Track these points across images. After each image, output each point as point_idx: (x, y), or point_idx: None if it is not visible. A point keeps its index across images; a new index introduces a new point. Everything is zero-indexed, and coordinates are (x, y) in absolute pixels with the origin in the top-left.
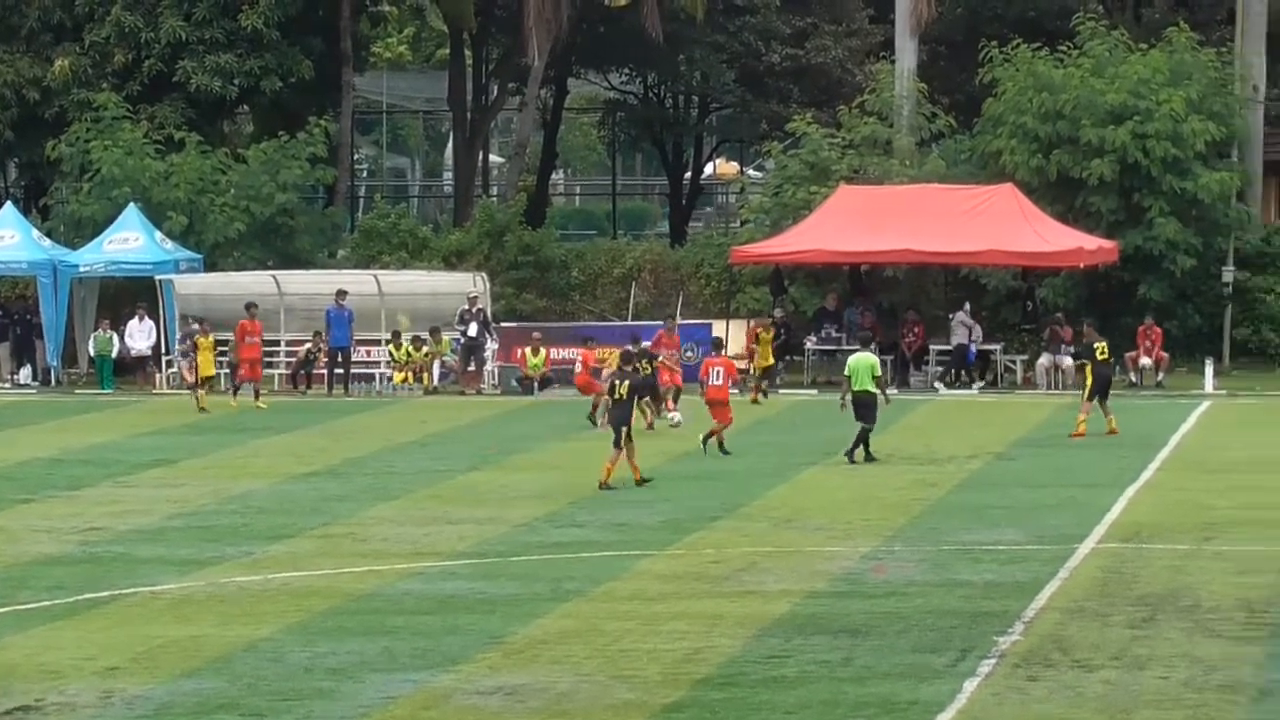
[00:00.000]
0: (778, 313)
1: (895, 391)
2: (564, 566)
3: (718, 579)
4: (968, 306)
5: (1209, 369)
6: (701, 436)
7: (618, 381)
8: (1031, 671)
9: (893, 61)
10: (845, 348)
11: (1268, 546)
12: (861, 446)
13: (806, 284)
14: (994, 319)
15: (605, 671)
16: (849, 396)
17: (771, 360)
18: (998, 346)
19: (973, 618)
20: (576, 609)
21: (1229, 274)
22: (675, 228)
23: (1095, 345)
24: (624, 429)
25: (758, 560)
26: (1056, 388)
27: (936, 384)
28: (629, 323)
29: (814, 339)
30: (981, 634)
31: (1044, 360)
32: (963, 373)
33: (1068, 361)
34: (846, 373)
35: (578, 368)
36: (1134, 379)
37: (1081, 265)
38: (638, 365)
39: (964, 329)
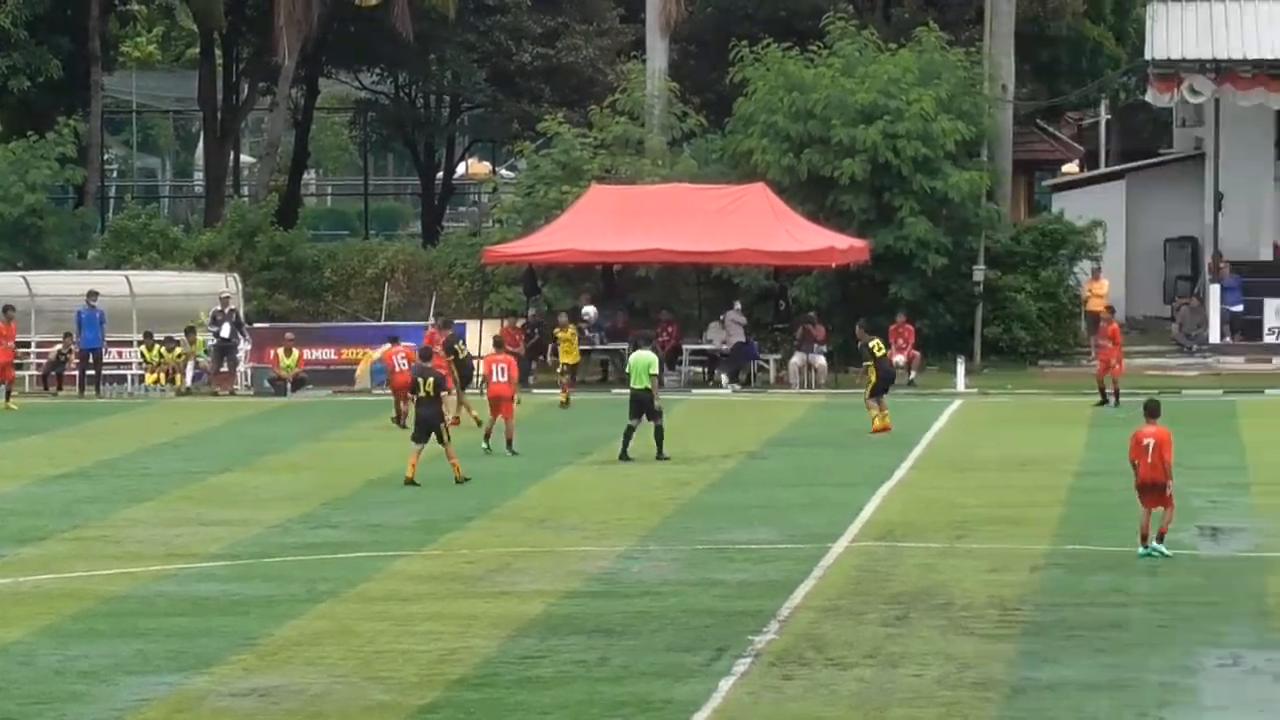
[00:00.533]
0: (531, 312)
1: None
2: (318, 568)
3: (472, 579)
4: (738, 305)
5: (960, 367)
6: (484, 435)
7: (422, 379)
8: (786, 670)
9: (644, 61)
10: (599, 347)
11: (1018, 545)
12: (623, 444)
13: (559, 284)
14: (747, 318)
15: (360, 673)
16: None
17: (577, 357)
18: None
19: (727, 617)
20: (330, 610)
21: (980, 273)
22: (428, 228)
23: (870, 345)
24: (440, 425)
25: (512, 561)
26: (810, 386)
27: (731, 385)
28: (382, 323)
29: None
30: (736, 633)
31: (797, 359)
32: (740, 371)
33: (821, 360)
34: (627, 370)
35: (400, 364)
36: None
37: (833, 264)
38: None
39: (738, 327)
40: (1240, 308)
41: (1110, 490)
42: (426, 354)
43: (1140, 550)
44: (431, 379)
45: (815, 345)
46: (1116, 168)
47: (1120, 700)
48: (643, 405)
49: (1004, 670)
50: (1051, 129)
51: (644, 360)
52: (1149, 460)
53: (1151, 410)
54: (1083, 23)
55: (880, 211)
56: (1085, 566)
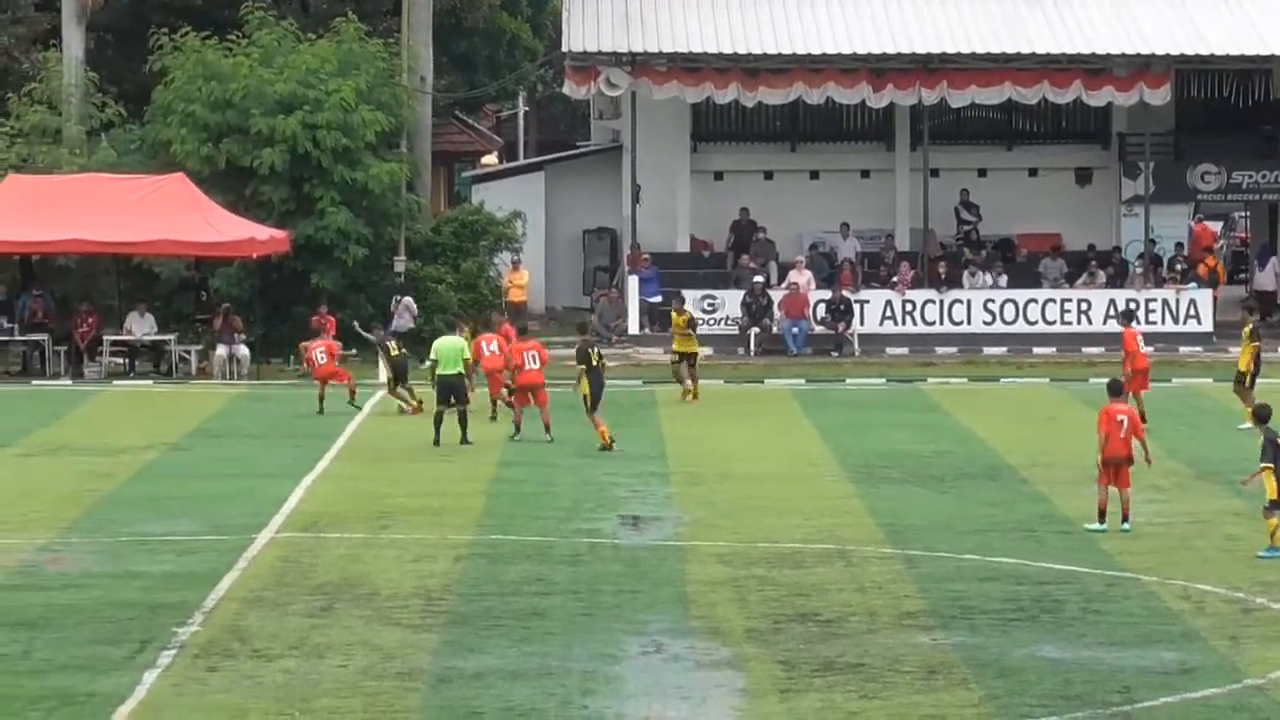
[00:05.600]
0: None
1: (71, 383)
2: None
3: None
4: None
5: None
6: (515, 424)
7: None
8: (211, 662)
9: (60, 50)
10: (17, 338)
11: (441, 534)
12: (461, 428)
13: None
14: (167, 308)
15: None
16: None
17: None
18: (172, 337)
19: (151, 609)
20: None
21: (400, 264)
22: None
23: (590, 353)
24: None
25: None
26: (233, 378)
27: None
28: None
29: None
30: (160, 625)
31: (221, 350)
32: None
33: (244, 351)
34: (434, 356)
35: (320, 358)
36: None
37: (254, 255)
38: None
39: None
40: (659, 299)
41: (530, 480)
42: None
43: (1098, 526)
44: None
45: (236, 336)
46: (535, 160)
47: (544, 688)
48: (453, 390)
49: (429, 660)
50: (471, 121)
51: (456, 345)
52: (1121, 436)
53: (1115, 389)
54: (500, 15)
55: (300, 202)
56: (507, 556)
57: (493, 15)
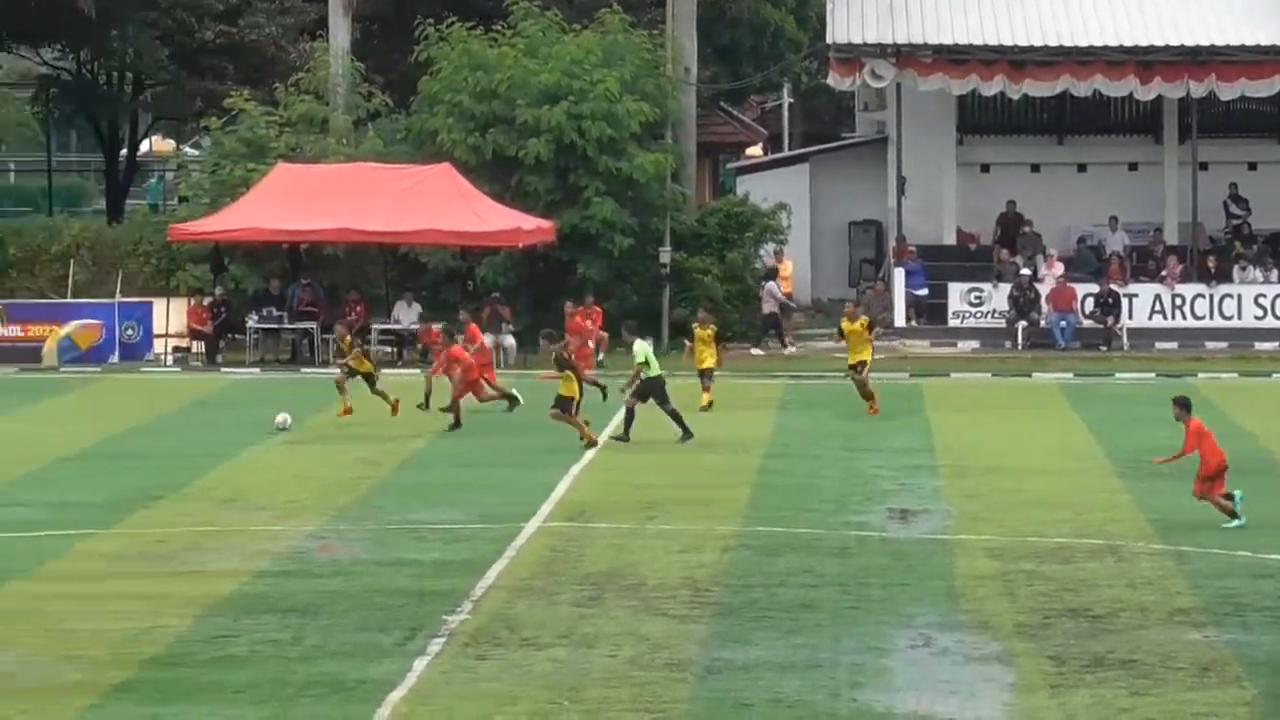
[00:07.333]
0: (218, 290)
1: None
2: (4, 545)
3: (162, 558)
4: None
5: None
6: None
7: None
8: (480, 650)
9: (327, 40)
10: (288, 326)
11: (709, 525)
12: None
13: (246, 262)
14: (434, 298)
15: (51, 651)
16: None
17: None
18: (440, 326)
19: (421, 596)
20: (20, 589)
21: (666, 254)
22: (112, 205)
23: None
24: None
25: (201, 540)
26: (499, 367)
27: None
28: (69, 300)
29: (255, 318)
30: (430, 613)
31: (487, 340)
32: None
33: (510, 340)
34: (643, 358)
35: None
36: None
37: (520, 245)
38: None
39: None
40: (924, 291)
41: (797, 473)
42: None
43: (1238, 522)
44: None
45: (504, 325)
46: (800, 151)
47: (812, 681)
48: (654, 392)
49: (697, 651)
50: (735, 112)
51: (649, 348)
52: (1216, 446)
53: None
54: (764, 6)
55: (566, 192)
56: (774, 548)
57: (757, 6)
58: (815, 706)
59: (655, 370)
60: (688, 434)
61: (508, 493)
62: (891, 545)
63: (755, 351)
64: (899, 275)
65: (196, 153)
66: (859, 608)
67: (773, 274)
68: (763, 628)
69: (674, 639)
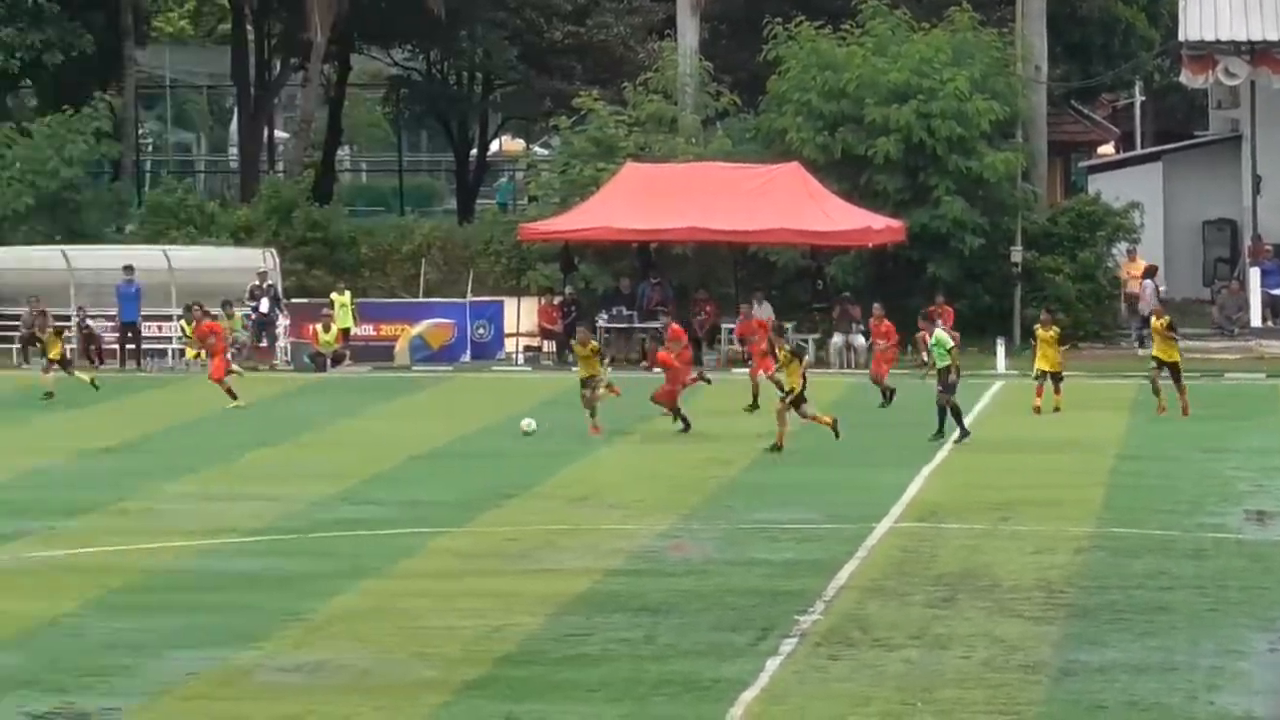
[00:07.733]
0: (568, 290)
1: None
2: (359, 544)
3: (514, 556)
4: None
5: (1000, 349)
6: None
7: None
8: (833, 650)
9: (675, 39)
10: (638, 325)
11: (1061, 526)
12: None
13: (595, 261)
14: (783, 297)
15: (405, 649)
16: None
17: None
18: (789, 325)
19: (773, 596)
20: (375, 586)
21: (1018, 254)
22: (462, 205)
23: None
24: None
25: (554, 538)
26: (849, 366)
27: None
28: (420, 299)
29: (605, 317)
30: (782, 612)
31: (837, 339)
32: None
33: (860, 340)
34: (944, 349)
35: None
36: (925, 358)
37: (870, 244)
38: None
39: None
40: None
41: (1150, 474)
42: None
43: None
44: None
45: (854, 325)
46: (1153, 149)
47: (1168, 683)
48: (942, 380)
49: (1051, 653)
50: (1086, 110)
51: (948, 339)
52: None
53: None
54: (1115, 4)
55: (915, 191)
56: (1129, 549)
57: (1108, 4)
58: (1172, 709)
59: (944, 360)
60: (964, 432)
61: (858, 493)
62: (1249, 547)
63: (1141, 352)
64: (1254, 275)
65: (546, 152)
66: (1217, 610)
67: (1152, 272)
68: (1118, 630)
69: (1028, 640)
